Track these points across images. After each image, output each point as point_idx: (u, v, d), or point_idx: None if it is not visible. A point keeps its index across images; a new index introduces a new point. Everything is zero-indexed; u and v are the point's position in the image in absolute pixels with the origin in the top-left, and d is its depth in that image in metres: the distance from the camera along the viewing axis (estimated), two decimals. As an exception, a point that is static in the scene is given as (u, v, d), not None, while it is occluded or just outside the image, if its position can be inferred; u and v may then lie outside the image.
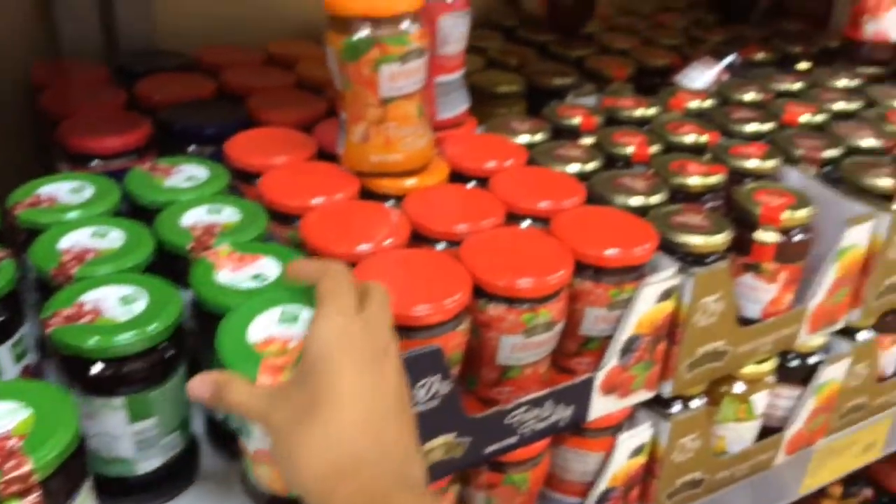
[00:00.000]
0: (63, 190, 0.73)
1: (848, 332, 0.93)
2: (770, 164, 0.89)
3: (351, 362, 0.48)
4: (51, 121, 0.89)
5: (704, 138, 0.94)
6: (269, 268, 0.64)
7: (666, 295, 0.72)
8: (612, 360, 0.72)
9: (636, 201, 0.81)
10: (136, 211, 0.73)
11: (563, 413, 0.72)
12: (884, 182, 0.86)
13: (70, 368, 0.57)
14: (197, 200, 0.72)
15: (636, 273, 0.71)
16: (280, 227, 0.74)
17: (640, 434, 0.80)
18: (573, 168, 0.86)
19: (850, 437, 1.00)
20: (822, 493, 1.34)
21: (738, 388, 0.86)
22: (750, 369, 0.85)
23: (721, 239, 0.75)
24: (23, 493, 0.47)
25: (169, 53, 1.08)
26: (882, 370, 1.00)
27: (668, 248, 0.75)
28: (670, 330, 0.75)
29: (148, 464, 0.62)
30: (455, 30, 0.85)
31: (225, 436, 0.67)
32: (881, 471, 1.47)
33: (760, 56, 1.27)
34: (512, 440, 0.70)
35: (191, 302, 0.64)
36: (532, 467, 0.75)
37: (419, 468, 0.50)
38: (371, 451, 0.47)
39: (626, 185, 0.83)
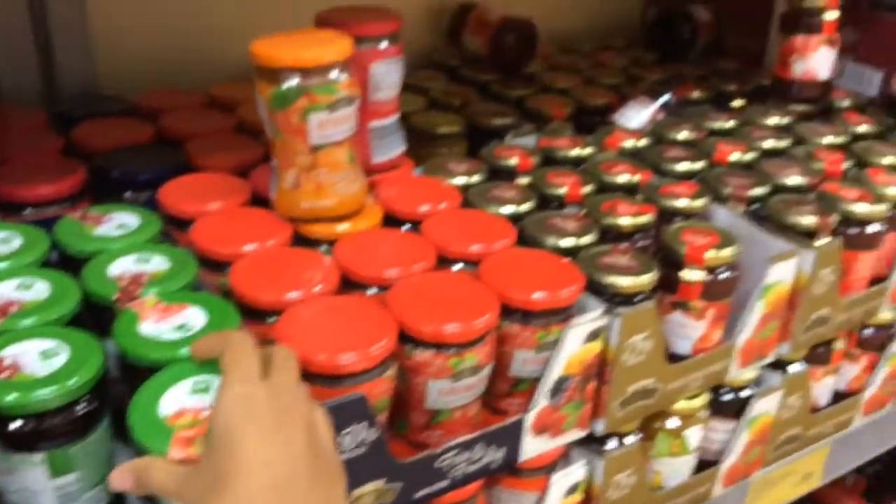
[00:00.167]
0: (-10, 241, 0.72)
1: (780, 365, 0.95)
2: (699, 202, 0.92)
3: (255, 430, 0.48)
4: (-15, 168, 0.88)
5: (637, 178, 0.97)
6: (194, 318, 0.64)
7: (593, 336, 0.73)
8: (541, 401, 0.73)
9: (567, 242, 0.82)
10: (65, 260, 0.73)
11: (495, 455, 0.73)
12: (807, 220, 0.89)
13: (-12, 424, 0.57)
14: (126, 249, 0.72)
15: (563, 315, 0.73)
16: (211, 275, 0.74)
17: (574, 472, 0.81)
18: (507, 209, 0.88)
19: (787, 468, 1.02)
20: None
21: (672, 423, 0.88)
22: (683, 404, 0.87)
23: (647, 279, 0.77)
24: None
25: (110, 98, 1.08)
26: (815, 401, 1.03)
27: (596, 289, 0.77)
28: (599, 369, 0.76)
29: (71, 519, 0.61)
30: (388, 76, 0.87)
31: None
32: (829, 495, 1.50)
33: (697, 94, 1.31)
34: (443, 484, 0.71)
35: (116, 352, 0.64)
36: (466, 509, 0.76)
37: None
38: None
39: (558, 227, 0.84)
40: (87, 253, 0.72)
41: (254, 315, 0.68)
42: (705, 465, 0.93)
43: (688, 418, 0.88)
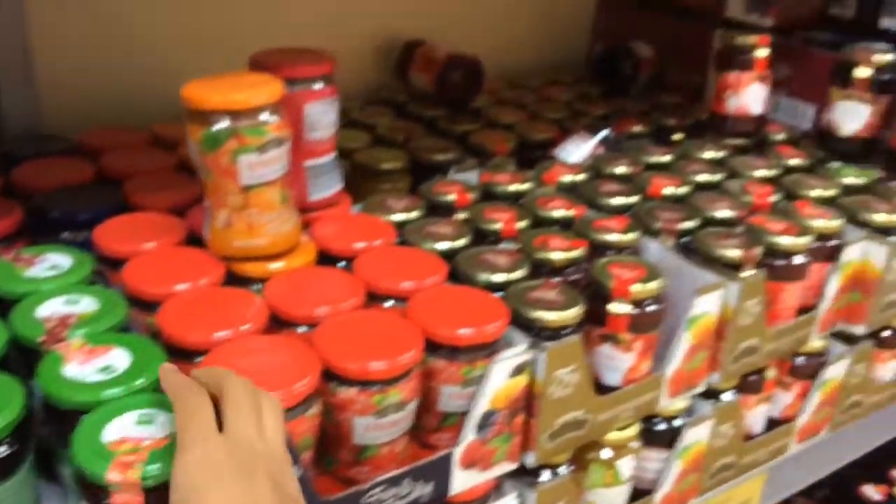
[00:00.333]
0: (-80, 284, 0.73)
1: (712, 395, 0.98)
2: (630, 236, 0.94)
3: (217, 489, 0.49)
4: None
5: (572, 212, 0.99)
6: (119, 359, 0.65)
7: (518, 370, 0.75)
8: (469, 435, 0.75)
9: (498, 278, 0.84)
10: (-4, 302, 0.74)
11: (424, 489, 0.74)
12: (732, 252, 0.91)
13: None
14: (56, 290, 0.73)
15: (488, 350, 0.74)
16: (142, 315, 0.75)
17: (506, 505, 0.82)
18: (443, 245, 0.90)
19: (724, 496, 1.04)
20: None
21: (605, 453, 0.90)
22: (615, 435, 0.89)
23: (573, 313, 0.79)
24: None
25: (53, 137, 1.09)
26: (749, 429, 1.05)
27: (524, 323, 0.78)
28: (527, 402, 0.78)
29: (-8, 563, 0.61)
30: (323, 116, 0.89)
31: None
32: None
33: (638, 129, 1.34)
34: (372, 519, 0.71)
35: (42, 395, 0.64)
36: (397, 544, 0.76)
37: None
38: None
39: (490, 262, 0.86)
40: (17, 294, 0.73)
41: (180, 355, 0.69)
42: (640, 494, 0.95)
43: (620, 448, 0.90)
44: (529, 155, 1.23)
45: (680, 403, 0.94)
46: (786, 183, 1.12)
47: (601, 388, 0.86)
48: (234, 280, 0.80)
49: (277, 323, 0.74)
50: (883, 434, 1.27)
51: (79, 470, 0.55)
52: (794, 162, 1.20)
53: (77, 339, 0.66)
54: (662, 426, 0.94)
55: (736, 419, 0.99)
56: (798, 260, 0.96)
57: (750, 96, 1.24)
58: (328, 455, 0.72)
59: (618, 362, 0.86)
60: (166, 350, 0.68)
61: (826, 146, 1.24)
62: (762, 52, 1.22)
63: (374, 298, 0.79)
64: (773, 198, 1.07)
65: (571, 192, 1.06)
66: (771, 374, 1.04)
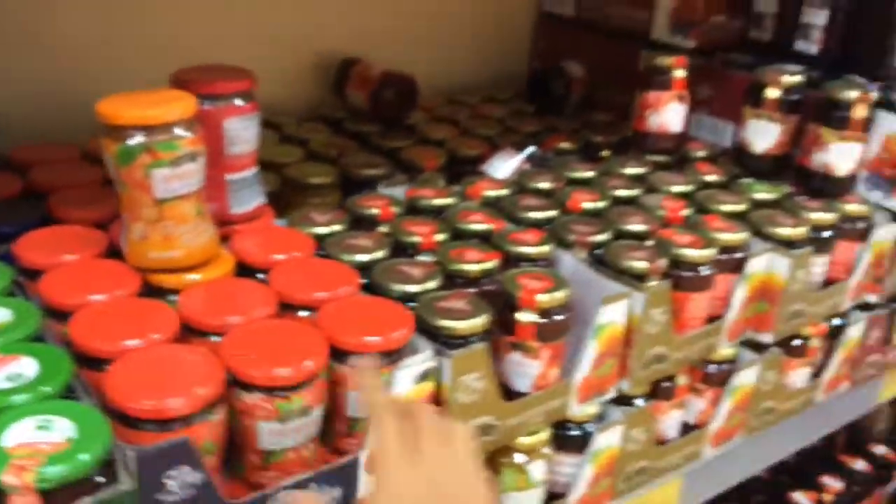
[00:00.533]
0: None
1: (625, 401, 1.01)
2: (544, 248, 0.98)
3: None
4: None
5: (490, 226, 1.03)
6: (27, 367, 0.67)
7: (423, 377, 0.78)
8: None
9: (413, 288, 0.87)
10: None
11: (332, 494, 0.76)
12: (639, 264, 0.95)
13: None
14: (-31, 302, 0.75)
15: (393, 357, 0.77)
16: (58, 325, 0.77)
17: (417, 508, 0.84)
18: (361, 258, 0.92)
19: (641, 499, 1.08)
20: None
21: (518, 458, 0.93)
22: (526, 440, 0.92)
23: (479, 322, 0.82)
24: None
25: (-19, 152, 1.10)
26: (663, 434, 1.09)
27: (431, 332, 0.82)
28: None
29: None
30: (244, 132, 0.91)
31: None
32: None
33: (567, 145, 1.38)
34: (279, 522, 0.74)
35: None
36: (307, 547, 0.78)
37: None
38: None
39: (405, 273, 0.89)
40: (-72, 308, 0.74)
41: (89, 363, 0.71)
42: (554, 497, 0.98)
43: (531, 453, 0.93)
44: (459, 170, 1.26)
45: (591, 409, 0.98)
46: (699, 198, 1.17)
47: (512, 395, 0.89)
48: (151, 292, 0.82)
49: (190, 332, 0.77)
50: (798, 440, 1.31)
51: None
52: (711, 178, 1.25)
53: (-14, 348, 0.68)
54: (575, 431, 0.98)
55: (648, 424, 1.02)
56: (704, 271, 1.01)
57: (669, 115, 1.29)
58: (236, 460, 0.74)
59: (527, 369, 0.89)
60: (76, 358, 0.70)
61: (741, 163, 1.30)
62: (680, 73, 1.27)
63: (287, 308, 0.82)
64: (685, 212, 1.12)
65: (493, 207, 1.09)
66: (683, 380, 1.08)
